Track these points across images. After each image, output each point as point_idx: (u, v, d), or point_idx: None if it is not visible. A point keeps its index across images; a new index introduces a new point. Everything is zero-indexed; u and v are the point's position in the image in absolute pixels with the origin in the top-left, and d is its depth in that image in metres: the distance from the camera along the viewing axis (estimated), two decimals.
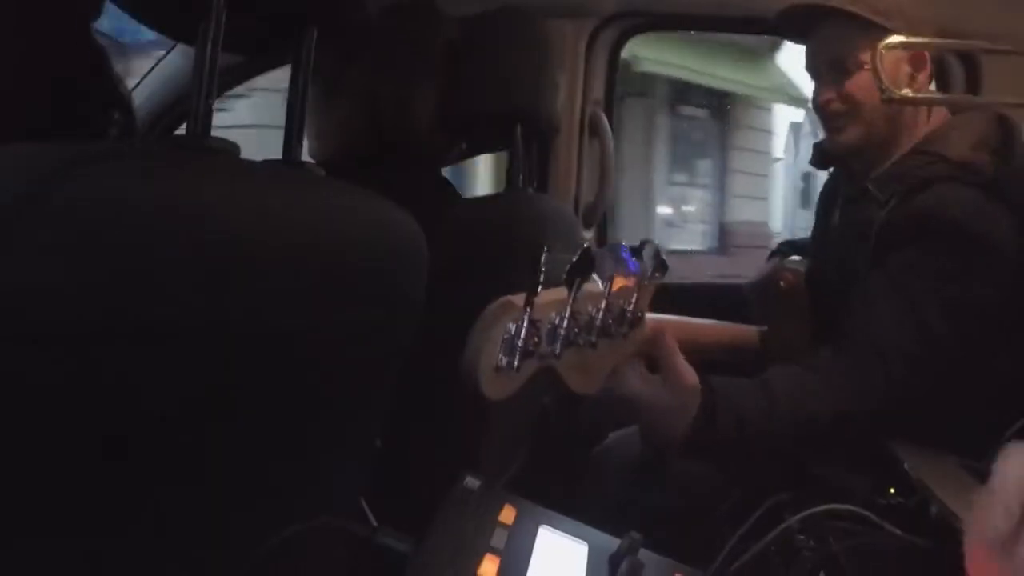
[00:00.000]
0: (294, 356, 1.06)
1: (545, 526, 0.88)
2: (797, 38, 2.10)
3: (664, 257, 1.43)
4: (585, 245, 1.31)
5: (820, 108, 2.04)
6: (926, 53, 1.98)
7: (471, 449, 1.62)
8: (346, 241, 1.12)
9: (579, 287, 1.28)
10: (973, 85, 2.58)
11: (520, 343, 1.24)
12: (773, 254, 2.39)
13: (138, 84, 2.64)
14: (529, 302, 1.23)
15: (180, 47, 2.54)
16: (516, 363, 1.24)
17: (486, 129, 1.89)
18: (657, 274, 1.43)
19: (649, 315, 1.69)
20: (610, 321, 1.42)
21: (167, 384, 0.90)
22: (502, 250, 1.63)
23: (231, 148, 1.06)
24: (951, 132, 1.95)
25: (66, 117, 1.28)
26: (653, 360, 1.66)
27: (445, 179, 1.91)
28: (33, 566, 0.87)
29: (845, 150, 2.05)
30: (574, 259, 1.25)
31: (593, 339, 1.38)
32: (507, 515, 0.86)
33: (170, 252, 0.87)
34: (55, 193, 0.79)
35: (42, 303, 0.79)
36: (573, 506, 1.01)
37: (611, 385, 1.61)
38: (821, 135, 2.11)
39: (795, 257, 2.36)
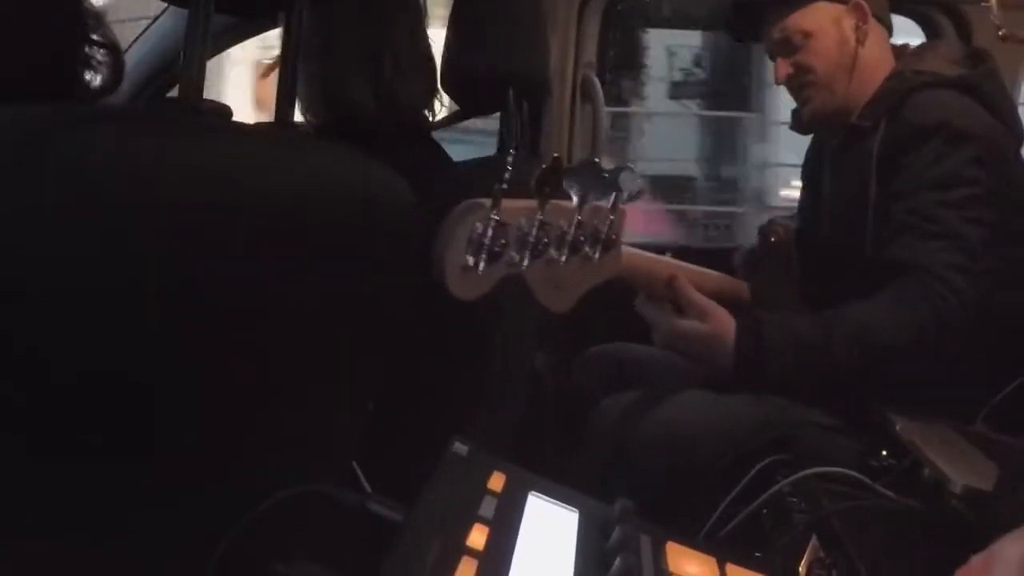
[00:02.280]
0: (287, 318, 1.06)
1: (535, 493, 0.87)
2: (754, 40, 2.20)
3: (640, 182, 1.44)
4: (555, 155, 1.31)
5: (785, 85, 2.12)
6: (862, 1, 2.05)
7: (462, 414, 1.62)
8: (339, 202, 1.11)
9: (548, 196, 1.28)
10: (964, 37, 2.58)
11: (487, 243, 1.24)
12: (761, 230, 2.42)
13: (130, 46, 2.62)
14: (496, 203, 1.23)
15: (172, 9, 2.51)
16: (483, 264, 1.24)
17: (478, 92, 1.87)
18: (633, 198, 1.44)
19: (630, 248, 1.72)
20: (582, 238, 1.42)
21: (162, 346, 0.90)
22: None
23: (224, 110, 1.05)
24: (924, 53, 2.06)
25: (47, 63, 1.27)
26: (676, 304, 1.88)
27: (435, 143, 1.90)
28: (27, 520, 0.87)
29: (820, 115, 2.12)
30: (544, 166, 1.26)
31: (564, 255, 1.39)
32: (496, 482, 0.85)
33: (165, 214, 0.87)
34: (50, 154, 0.79)
35: (36, 263, 0.79)
36: (566, 470, 1.01)
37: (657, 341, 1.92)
38: None
39: (785, 215, 2.39)
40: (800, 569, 1.45)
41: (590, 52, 2.72)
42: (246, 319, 1.00)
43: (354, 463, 1.35)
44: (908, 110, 1.92)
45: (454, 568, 0.70)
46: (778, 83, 2.12)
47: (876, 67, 2.05)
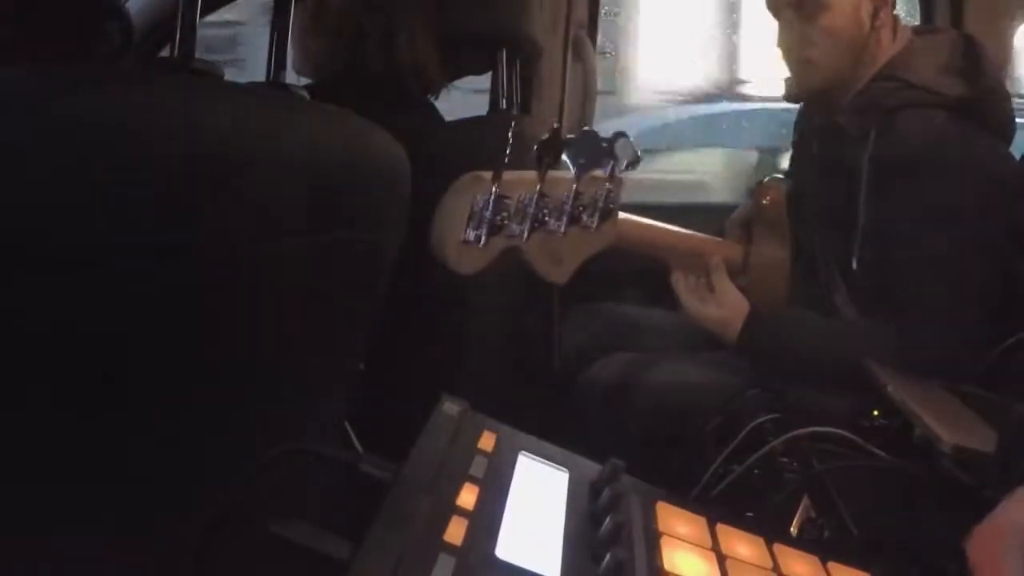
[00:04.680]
0: (280, 277, 1.06)
1: (525, 453, 0.87)
2: None
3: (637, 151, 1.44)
4: (555, 125, 1.31)
5: (783, 53, 2.07)
6: None
7: (451, 372, 1.62)
8: (330, 162, 1.11)
9: (548, 166, 1.28)
10: (957, 10, 2.56)
11: (488, 216, 1.24)
12: (754, 192, 2.41)
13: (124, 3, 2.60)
14: (497, 176, 1.23)
15: None
16: (483, 237, 1.24)
17: (470, 51, 1.87)
18: (630, 166, 1.44)
19: (626, 215, 1.72)
20: (581, 209, 1.42)
21: (157, 304, 0.90)
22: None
23: (215, 70, 1.05)
24: (915, 56, 1.98)
25: (56, 27, 1.26)
26: (708, 281, 2.02)
27: (429, 102, 1.89)
28: (25, 491, 0.87)
29: (809, 93, 2.11)
30: (543, 138, 1.26)
31: (563, 225, 1.39)
32: (486, 442, 0.85)
33: (159, 174, 0.87)
34: (49, 116, 0.79)
35: (33, 225, 0.79)
36: (557, 431, 1.01)
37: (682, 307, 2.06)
38: None
39: (778, 176, 2.38)
40: (792, 528, 1.46)
41: (581, 11, 2.71)
42: (238, 278, 1.00)
43: (347, 424, 1.35)
44: (901, 129, 1.88)
45: (444, 527, 0.70)
46: (778, 46, 2.05)
47: (876, 48, 1.99)
